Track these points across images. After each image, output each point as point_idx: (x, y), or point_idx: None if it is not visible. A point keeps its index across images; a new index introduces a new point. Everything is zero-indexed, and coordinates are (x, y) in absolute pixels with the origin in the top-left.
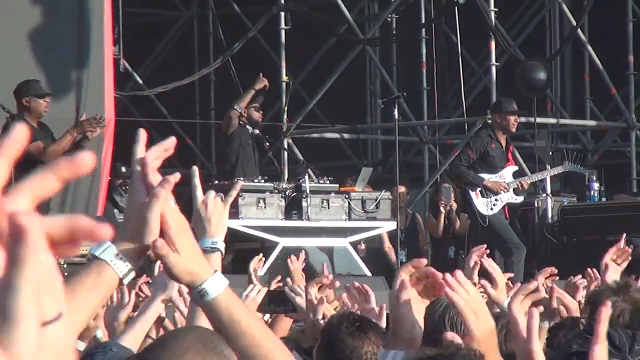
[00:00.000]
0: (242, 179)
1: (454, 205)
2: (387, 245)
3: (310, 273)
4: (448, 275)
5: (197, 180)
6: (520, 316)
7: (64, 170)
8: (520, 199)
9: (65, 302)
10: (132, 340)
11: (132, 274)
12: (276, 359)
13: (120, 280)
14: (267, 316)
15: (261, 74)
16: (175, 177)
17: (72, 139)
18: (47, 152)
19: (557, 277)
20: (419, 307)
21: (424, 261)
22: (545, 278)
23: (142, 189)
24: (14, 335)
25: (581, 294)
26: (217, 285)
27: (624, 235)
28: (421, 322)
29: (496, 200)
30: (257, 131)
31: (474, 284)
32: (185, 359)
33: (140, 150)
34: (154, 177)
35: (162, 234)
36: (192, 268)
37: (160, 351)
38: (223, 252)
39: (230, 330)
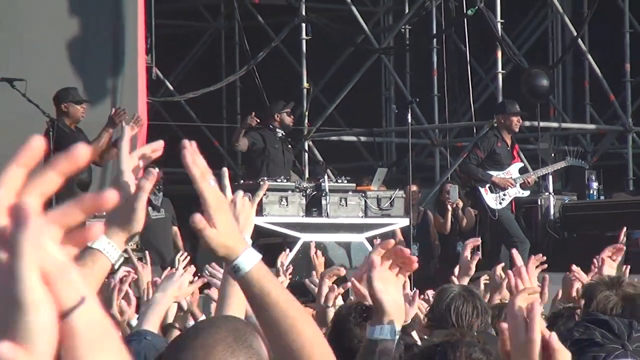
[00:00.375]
0: (266, 179)
1: (460, 204)
2: (399, 238)
3: (329, 266)
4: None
5: (226, 181)
6: (519, 311)
7: (62, 165)
8: (527, 193)
9: None
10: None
11: (122, 259)
12: (303, 330)
13: (112, 265)
14: None
15: (253, 113)
16: (157, 172)
17: (109, 135)
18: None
19: (546, 265)
20: (396, 284)
21: (392, 242)
22: (536, 267)
23: (127, 183)
24: (27, 323)
25: (575, 289)
26: (250, 259)
27: (624, 229)
28: (399, 298)
29: (504, 195)
30: (281, 134)
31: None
32: (216, 351)
33: (126, 147)
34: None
35: (202, 210)
36: (228, 242)
37: (192, 340)
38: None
39: (261, 302)
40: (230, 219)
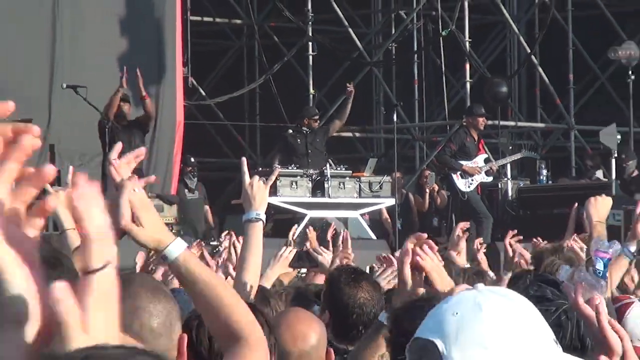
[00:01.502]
0: (279, 166)
1: (436, 187)
2: (385, 216)
3: (321, 241)
4: (417, 248)
5: (245, 168)
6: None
7: (35, 182)
8: (490, 179)
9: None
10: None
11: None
12: (223, 295)
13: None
14: (303, 270)
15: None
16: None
17: (119, 93)
18: (106, 112)
19: (521, 238)
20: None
21: (424, 235)
22: (510, 238)
23: (114, 186)
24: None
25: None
26: (176, 249)
27: (576, 204)
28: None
29: (472, 180)
30: (305, 132)
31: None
32: (140, 297)
33: (114, 155)
34: (124, 173)
35: (132, 215)
36: (155, 236)
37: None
38: (264, 221)
39: (187, 280)
40: (155, 217)
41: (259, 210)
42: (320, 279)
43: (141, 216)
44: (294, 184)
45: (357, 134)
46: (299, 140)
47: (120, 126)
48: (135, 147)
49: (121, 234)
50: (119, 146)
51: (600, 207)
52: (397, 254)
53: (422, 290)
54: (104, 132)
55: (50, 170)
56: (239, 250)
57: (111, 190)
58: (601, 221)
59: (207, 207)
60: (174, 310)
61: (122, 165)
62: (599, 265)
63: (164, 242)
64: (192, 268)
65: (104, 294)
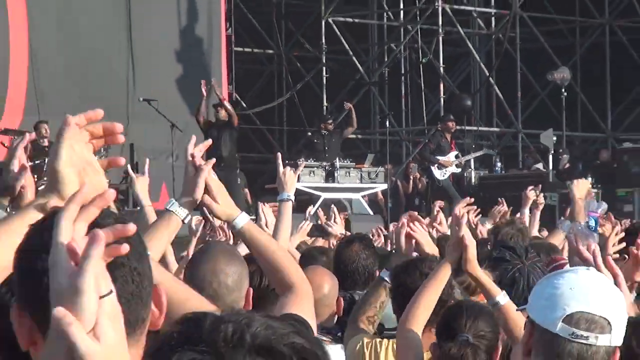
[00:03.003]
0: (303, 159)
1: (418, 176)
2: (379, 197)
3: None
4: (411, 225)
5: (279, 161)
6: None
7: (99, 203)
8: (459, 170)
9: (147, 241)
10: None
11: (189, 217)
12: (284, 262)
13: (182, 221)
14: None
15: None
16: (211, 162)
17: (203, 100)
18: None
19: (475, 206)
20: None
21: (415, 213)
22: (464, 207)
23: (192, 169)
24: (83, 304)
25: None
26: (241, 220)
27: (532, 187)
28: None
29: (446, 171)
30: (323, 133)
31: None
32: (219, 260)
33: (190, 148)
34: (200, 162)
35: (209, 193)
36: (227, 211)
37: (204, 255)
38: (293, 200)
39: (252, 245)
40: (227, 196)
41: (290, 193)
42: (319, 243)
43: (217, 195)
44: (311, 172)
45: (359, 136)
46: (317, 140)
47: (215, 126)
48: (224, 143)
49: (195, 206)
50: (208, 142)
51: (581, 187)
52: (391, 226)
53: (415, 254)
54: (172, 137)
55: (111, 193)
56: (267, 215)
57: (188, 173)
58: (581, 197)
59: (246, 190)
60: (244, 270)
61: (197, 154)
62: (592, 223)
63: (233, 215)
64: (254, 234)
65: (112, 314)
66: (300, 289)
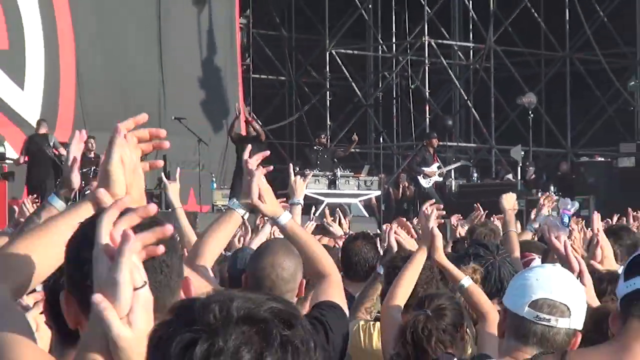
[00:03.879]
0: (308, 171)
1: (406, 184)
2: (374, 202)
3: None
4: (394, 227)
5: (291, 170)
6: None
7: (141, 214)
8: (441, 179)
9: (212, 234)
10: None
11: (247, 215)
12: (320, 254)
13: (242, 217)
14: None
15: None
16: (268, 169)
17: (235, 119)
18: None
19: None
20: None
21: (404, 219)
22: (430, 206)
23: (247, 173)
24: (118, 294)
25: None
26: (284, 218)
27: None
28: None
29: (430, 180)
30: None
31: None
32: (279, 254)
33: (245, 155)
34: (254, 169)
35: (259, 195)
36: (273, 209)
37: (267, 249)
38: (302, 204)
39: (294, 240)
40: (273, 197)
41: (299, 198)
42: (323, 242)
43: (264, 196)
44: (316, 180)
45: (357, 150)
46: (312, 154)
47: (245, 140)
48: (253, 154)
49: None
50: (266, 153)
51: (509, 199)
52: (385, 227)
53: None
54: (198, 151)
55: (152, 207)
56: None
57: (245, 178)
58: (510, 208)
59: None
60: (299, 264)
61: (253, 162)
62: (565, 219)
63: (278, 213)
64: (295, 230)
65: (146, 305)
66: (333, 278)
